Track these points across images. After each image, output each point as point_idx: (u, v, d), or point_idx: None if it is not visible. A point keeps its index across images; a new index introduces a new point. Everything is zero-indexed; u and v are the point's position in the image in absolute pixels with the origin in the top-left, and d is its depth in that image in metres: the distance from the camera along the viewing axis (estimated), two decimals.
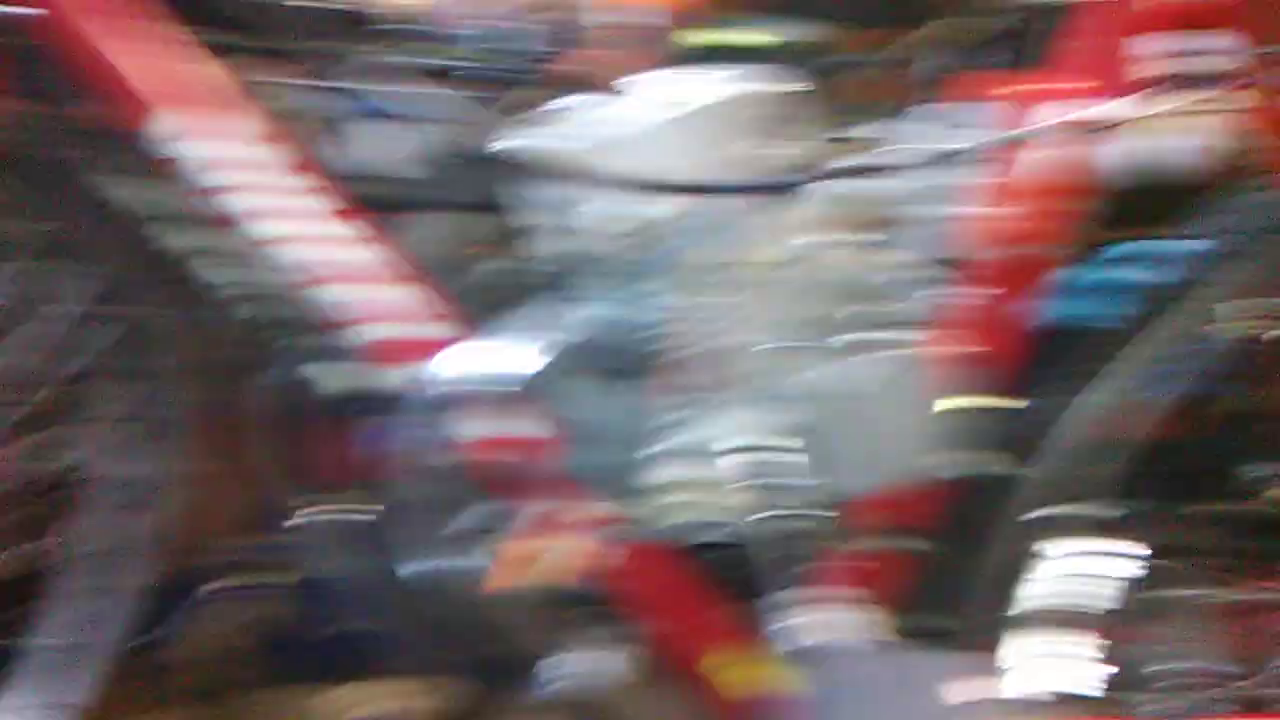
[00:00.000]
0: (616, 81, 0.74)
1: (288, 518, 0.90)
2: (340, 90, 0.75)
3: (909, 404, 0.80)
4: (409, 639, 0.92)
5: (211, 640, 1.12)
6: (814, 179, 0.79)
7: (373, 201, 0.84)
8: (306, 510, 0.90)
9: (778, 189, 0.79)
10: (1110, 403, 0.89)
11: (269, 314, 0.84)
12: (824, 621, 0.69)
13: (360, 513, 0.89)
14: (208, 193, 0.76)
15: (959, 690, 0.63)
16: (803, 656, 0.68)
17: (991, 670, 0.83)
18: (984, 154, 0.77)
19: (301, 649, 1.10)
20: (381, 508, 0.82)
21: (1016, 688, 0.87)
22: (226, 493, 1.13)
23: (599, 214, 0.72)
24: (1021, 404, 0.89)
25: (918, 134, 0.79)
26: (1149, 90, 0.84)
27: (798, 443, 0.79)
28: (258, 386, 0.88)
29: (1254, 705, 1.03)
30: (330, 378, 0.86)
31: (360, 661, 1.07)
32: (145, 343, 0.93)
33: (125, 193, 0.84)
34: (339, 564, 0.91)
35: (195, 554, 1.13)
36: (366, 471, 0.86)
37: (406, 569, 0.84)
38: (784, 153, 0.82)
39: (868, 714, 0.71)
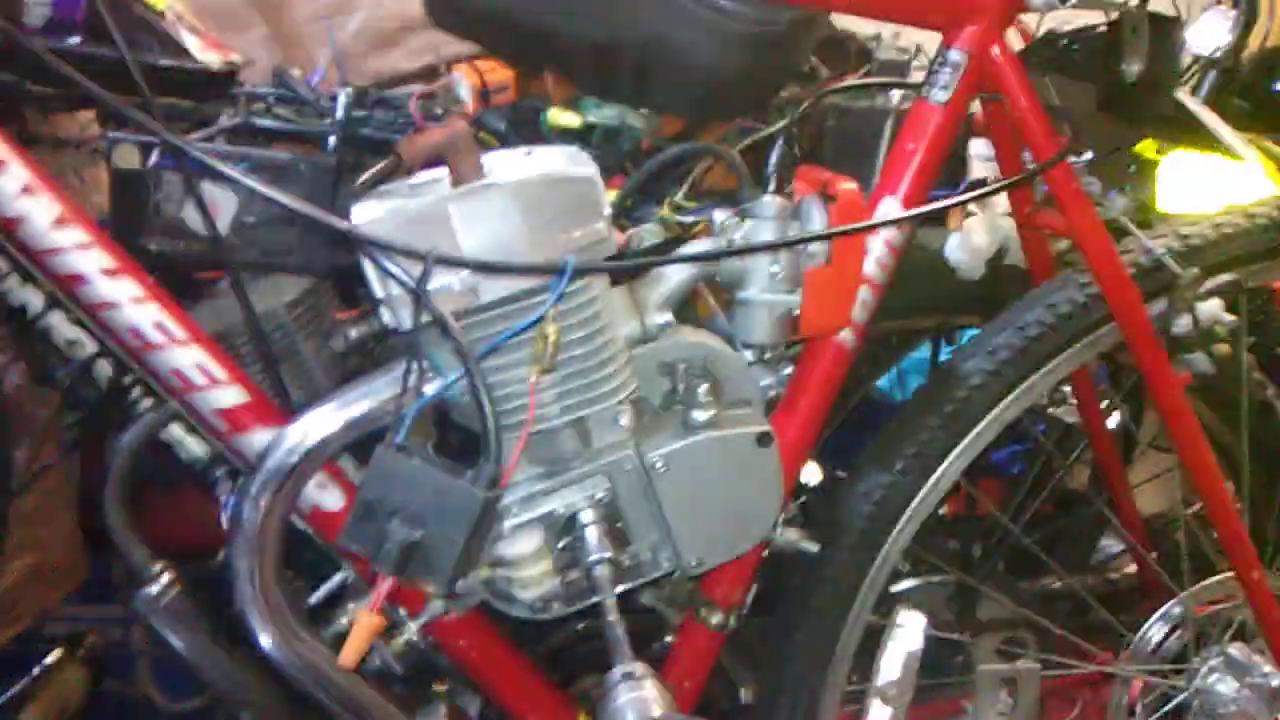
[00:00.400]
0: (474, 158, 0.75)
1: (138, 585, 0.88)
2: (199, 150, 0.74)
3: (752, 480, 0.82)
4: (258, 712, 0.90)
5: (51, 712, 1.08)
6: (663, 260, 0.82)
7: (221, 264, 0.83)
8: (157, 577, 0.88)
9: (629, 269, 0.81)
10: (947, 479, 0.93)
11: (118, 376, 0.83)
12: (651, 696, 0.69)
13: (212, 581, 0.87)
14: (51, 253, 0.75)
15: None
16: None
17: None
18: (823, 243, 0.80)
19: None
20: (231, 575, 0.81)
21: None
22: (73, 557, 1.09)
23: (450, 286, 0.73)
24: (860, 479, 0.92)
25: (764, 221, 0.82)
26: (973, 190, 0.90)
27: (643, 517, 0.81)
28: (109, 449, 0.86)
29: None
30: (180, 443, 0.85)
31: None
32: None
33: None
34: (189, 634, 0.88)
35: (37, 621, 1.09)
36: (218, 538, 0.84)
37: (257, 640, 0.82)
38: (636, 233, 0.84)
39: None
